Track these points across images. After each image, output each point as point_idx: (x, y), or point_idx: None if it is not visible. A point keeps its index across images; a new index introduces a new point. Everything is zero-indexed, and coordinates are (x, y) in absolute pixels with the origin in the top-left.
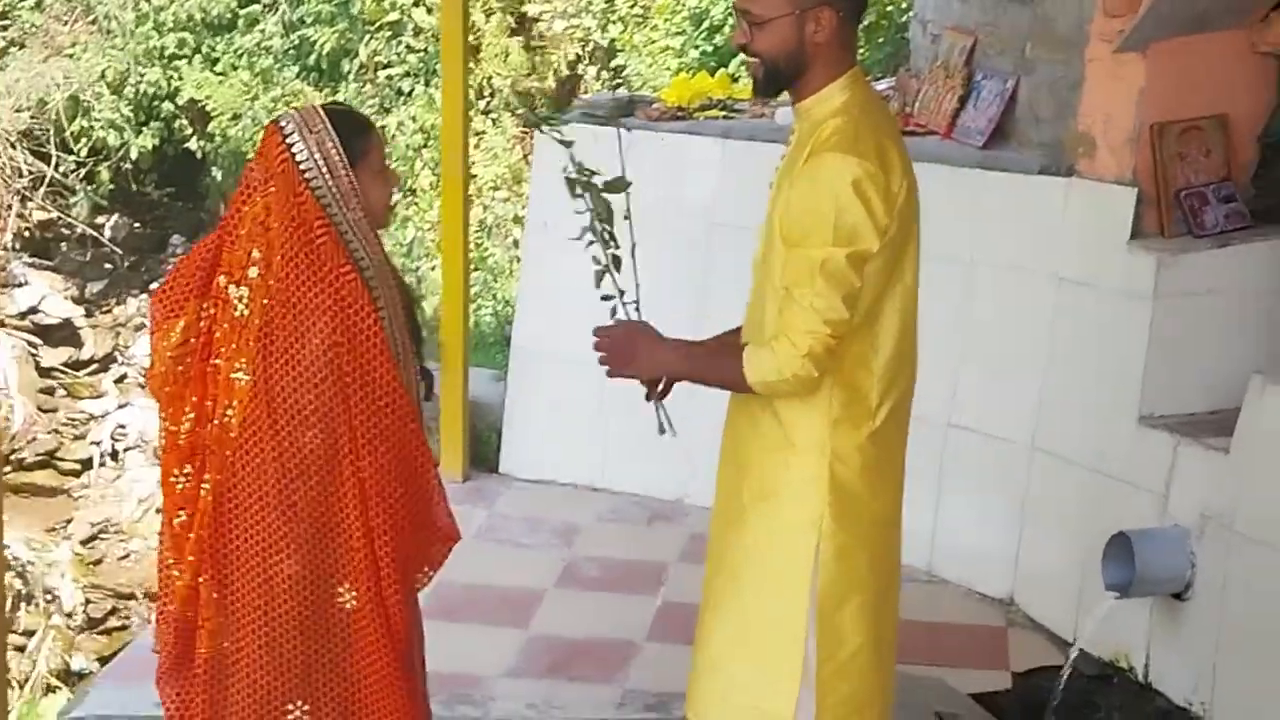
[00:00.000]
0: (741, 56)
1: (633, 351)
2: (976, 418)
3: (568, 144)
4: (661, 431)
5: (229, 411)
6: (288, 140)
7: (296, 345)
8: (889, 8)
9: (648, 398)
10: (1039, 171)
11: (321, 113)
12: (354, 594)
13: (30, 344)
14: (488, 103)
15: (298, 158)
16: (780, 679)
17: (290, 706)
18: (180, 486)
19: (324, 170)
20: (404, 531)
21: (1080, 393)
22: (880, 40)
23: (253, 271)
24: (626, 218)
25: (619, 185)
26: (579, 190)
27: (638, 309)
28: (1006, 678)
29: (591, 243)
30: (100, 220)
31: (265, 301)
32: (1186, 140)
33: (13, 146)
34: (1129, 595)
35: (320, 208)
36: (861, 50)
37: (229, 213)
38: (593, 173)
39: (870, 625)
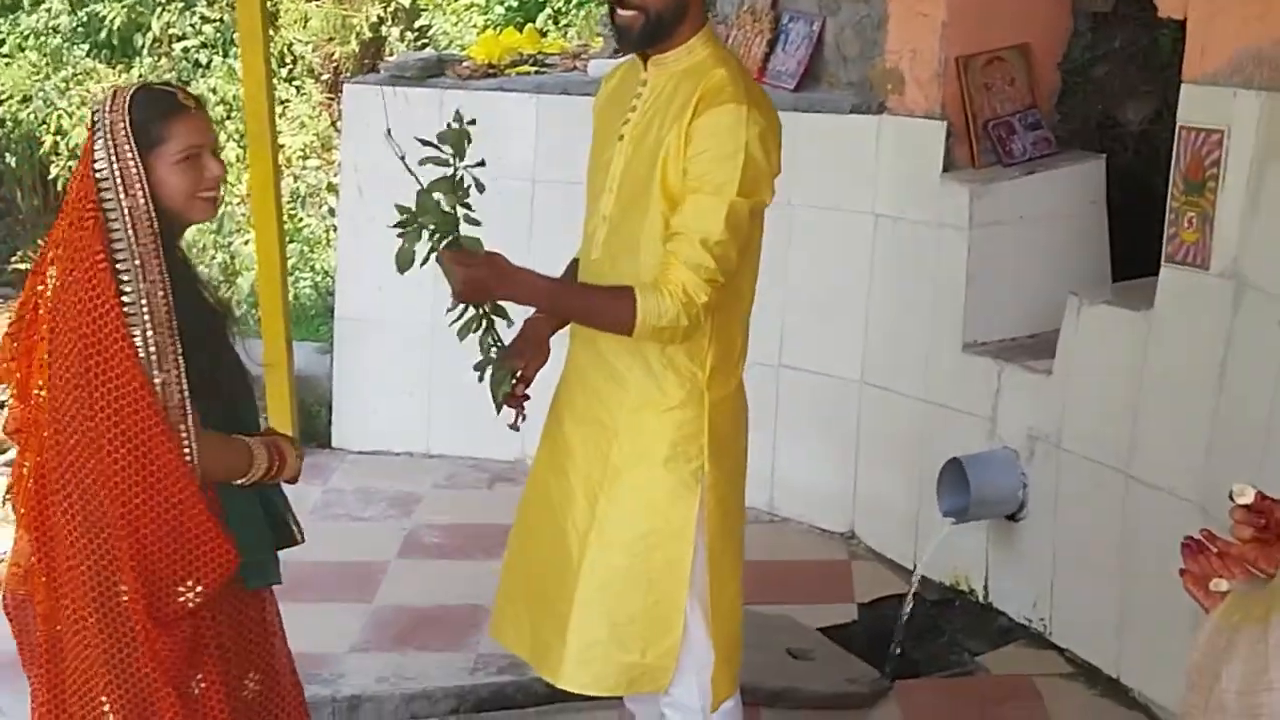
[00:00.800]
0: (616, 11)
1: (488, 283)
2: (805, 356)
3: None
4: (515, 428)
5: (40, 391)
6: (94, 118)
7: (62, 333)
8: None
9: (513, 405)
10: (850, 110)
11: (126, 93)
12: (129, 592)
13: None
14: (290, 70)
15: (96, 137)
16: (664, 633)
17: (102, 699)
18: (23, 469)
19: (111, 152)
20: (145, 541)
21: (904, 325)
22: None
23: (61, 250)
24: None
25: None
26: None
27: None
28: (853, 609)
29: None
30: None
31: (56, 284)
32: (991, 71)
33: None
34: (965, 520)
35: (96, 190)
36: None
37: None
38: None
39: (740, 565)
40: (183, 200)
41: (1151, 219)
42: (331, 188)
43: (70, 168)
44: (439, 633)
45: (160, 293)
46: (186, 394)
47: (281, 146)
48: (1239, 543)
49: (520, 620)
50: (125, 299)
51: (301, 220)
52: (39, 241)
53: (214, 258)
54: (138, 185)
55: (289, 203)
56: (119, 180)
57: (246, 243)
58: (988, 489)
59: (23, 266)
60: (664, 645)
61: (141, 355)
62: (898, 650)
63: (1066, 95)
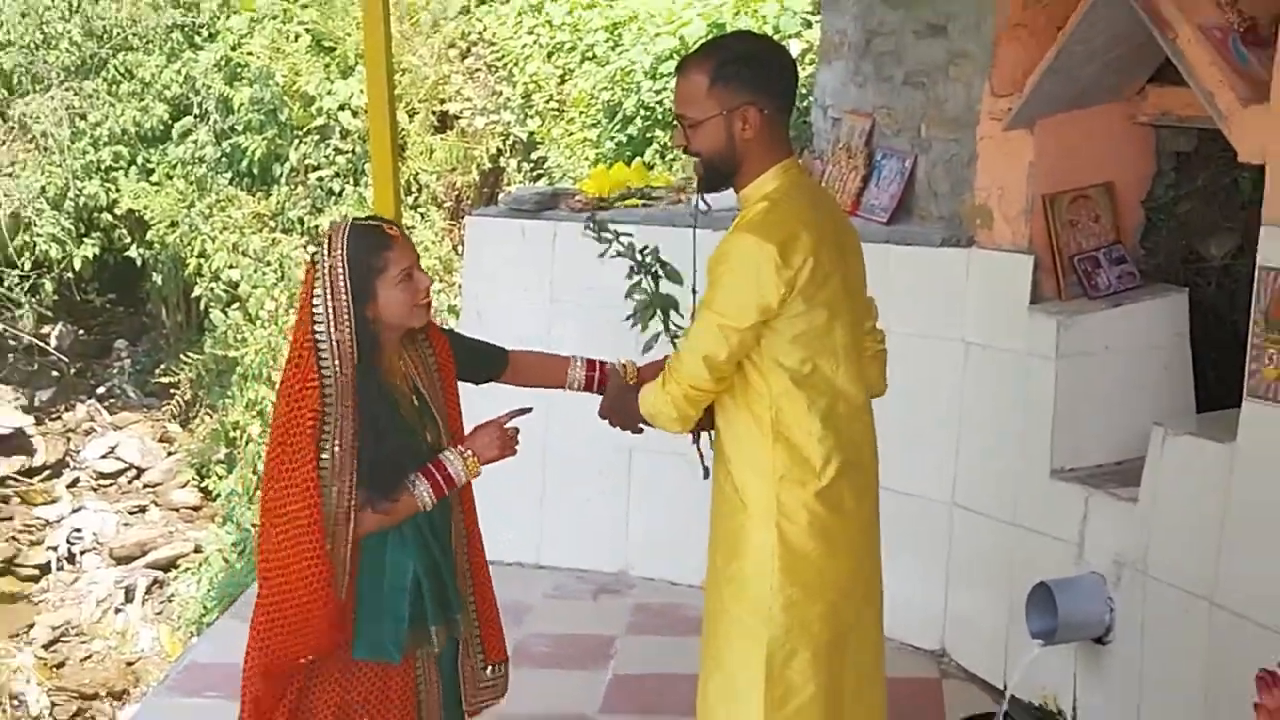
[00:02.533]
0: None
1: (629, 409)
2: (898, 478)
3: (628, 246)
4: (706, 476)
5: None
6: (314, 258)
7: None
8: None
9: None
10: (941, 243)
11: (341, 235)
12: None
13: None
14: (415, 198)
15: (316, 276)
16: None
17: None
18: None
19: (327, 291)
20: (272, 611)
21: (994, 451)
22: None
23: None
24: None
25: (676, 276)
26: (639, 272)
27: None
28: None
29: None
30: (45, 330)
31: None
32: (1077, 208)
33: None
34: (1053, 642)
35: (313, 324)
36: None
37: None
38: (658, 262)
39: (823, 676)
40: (405, 312)
41: (1234, 351)
42: (453, 310)
43: (212, 289)
44: None
45: (350, 414)
46: (352, 502)
47: None
48: None
49: None
50: (326, 420)
51: None
52: (182, 356)
53: None
54: (346, 321)
55: None
56: (331, 317)
57: None
58: (1075, 612)
59: (165, 380)
60: None
61: (325, 467)
62: None
63: (1150, 231)
